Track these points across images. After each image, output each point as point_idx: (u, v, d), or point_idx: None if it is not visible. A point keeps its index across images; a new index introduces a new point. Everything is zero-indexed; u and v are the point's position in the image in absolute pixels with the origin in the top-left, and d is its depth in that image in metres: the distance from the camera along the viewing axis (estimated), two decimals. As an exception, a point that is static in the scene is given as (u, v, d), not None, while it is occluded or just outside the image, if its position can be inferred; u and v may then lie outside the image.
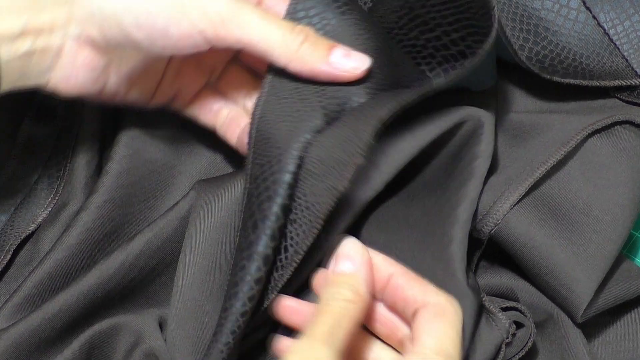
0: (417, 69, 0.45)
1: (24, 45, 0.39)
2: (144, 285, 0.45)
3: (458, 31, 0.43)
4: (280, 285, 0.40)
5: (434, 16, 0.44)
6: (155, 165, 0.48)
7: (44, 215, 0.48)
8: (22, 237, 0.47)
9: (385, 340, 0.41)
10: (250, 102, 0.46)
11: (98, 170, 0.49)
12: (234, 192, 0.44)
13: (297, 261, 0.40)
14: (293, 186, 0.40)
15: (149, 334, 0.44)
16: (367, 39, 0.43)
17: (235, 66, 0.48)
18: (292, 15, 0.43)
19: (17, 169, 0.49)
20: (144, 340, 0.44)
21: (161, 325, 0.45)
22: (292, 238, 0.40)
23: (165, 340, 0.44)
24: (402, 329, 0.40)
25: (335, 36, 0.42)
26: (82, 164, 0.49)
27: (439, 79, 0.44)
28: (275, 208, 0.39)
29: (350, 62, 0.41)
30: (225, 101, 0.47)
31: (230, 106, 0.47)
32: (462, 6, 0.42)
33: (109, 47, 0.41)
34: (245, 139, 0.43)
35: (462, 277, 0.41)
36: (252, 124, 0.42)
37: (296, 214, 0.40)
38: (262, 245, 0.39)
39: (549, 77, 0.47)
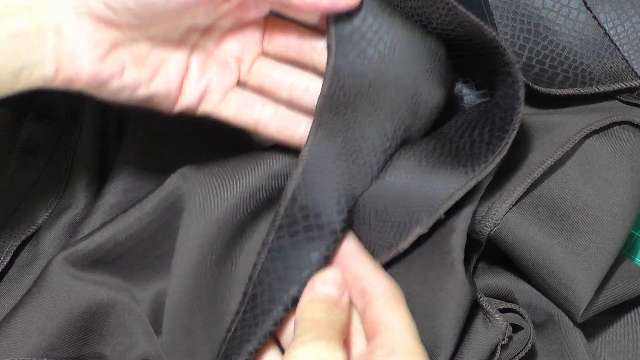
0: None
1: (14, 24, 0.37)
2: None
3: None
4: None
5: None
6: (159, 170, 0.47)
7: (44, 217, 0.48)
8: (22, 239, 0.47)
9: None
10: (294, 90, 0.44)
11: (100, 173, 0.49)
12: (235, 191, 0.43)
13: None
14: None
15: (142, 337, 0.43)
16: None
17: (266, 59, 0.45)
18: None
19: (17, 170, 0.49)
20: (137, 344, 0.43)
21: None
22: None
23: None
24: None
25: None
26: (83, 166, 0.49)
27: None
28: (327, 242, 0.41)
29: None
30: (265, 97, 0.45)
31: (271, 102, 0.45)
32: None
33: (110, 12, 0.39)
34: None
35: (460, 268, 0.41)
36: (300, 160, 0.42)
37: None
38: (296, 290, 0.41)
39: (546, 91, 0.47)
